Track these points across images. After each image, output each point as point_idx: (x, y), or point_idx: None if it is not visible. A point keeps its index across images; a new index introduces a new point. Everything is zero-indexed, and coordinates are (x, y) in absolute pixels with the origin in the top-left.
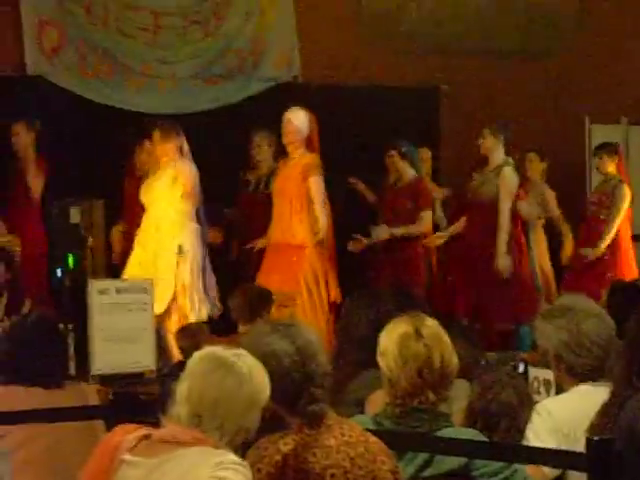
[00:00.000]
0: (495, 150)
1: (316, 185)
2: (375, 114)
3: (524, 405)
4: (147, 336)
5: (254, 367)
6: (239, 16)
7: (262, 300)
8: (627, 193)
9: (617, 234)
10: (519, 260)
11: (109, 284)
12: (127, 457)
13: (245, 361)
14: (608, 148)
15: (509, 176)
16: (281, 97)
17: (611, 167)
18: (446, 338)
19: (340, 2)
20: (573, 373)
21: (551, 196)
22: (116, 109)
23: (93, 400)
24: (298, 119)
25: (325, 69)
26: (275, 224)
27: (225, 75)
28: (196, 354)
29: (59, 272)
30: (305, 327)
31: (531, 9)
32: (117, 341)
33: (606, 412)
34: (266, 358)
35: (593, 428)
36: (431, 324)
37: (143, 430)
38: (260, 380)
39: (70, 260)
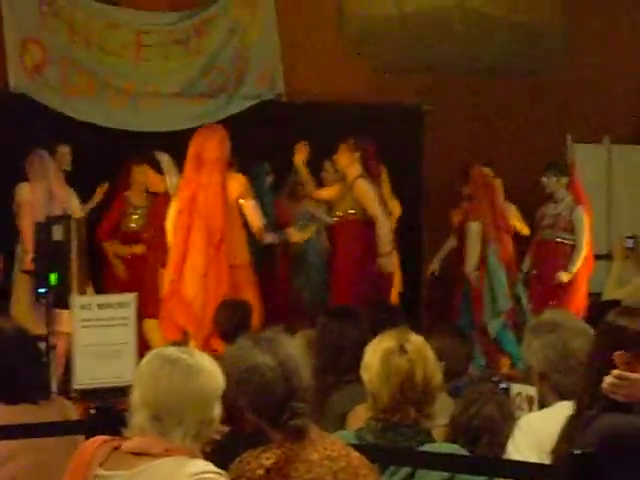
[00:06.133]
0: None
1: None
2: (358, 132)
3: (506, 420)
4: (128, 350)
5: (203, 360)
6: (221, 33)
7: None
8: (585, 216)
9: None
10: None
11: (91, 300)
12: (100, 472)
13: (192, 355)
14: (560, 168)
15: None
16: (265, 115)
17: (562, 187)
18: (430, 355)
19: (323, 20)
20: (557, 391)
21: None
22: (100, 127)
23: (73, 415)
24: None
25: (308, 87)
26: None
27: (208, 93)
28: (144, 358)
29: (42, 290)
30: (287, 341)
31: (516, 28)
32: (99, 356)
33: (570, 433)
34: (249, 372)
35: (559, 448)
36: (415, 340)
37: (112, 442)
38: (210, 370)
39: (52, 278)
